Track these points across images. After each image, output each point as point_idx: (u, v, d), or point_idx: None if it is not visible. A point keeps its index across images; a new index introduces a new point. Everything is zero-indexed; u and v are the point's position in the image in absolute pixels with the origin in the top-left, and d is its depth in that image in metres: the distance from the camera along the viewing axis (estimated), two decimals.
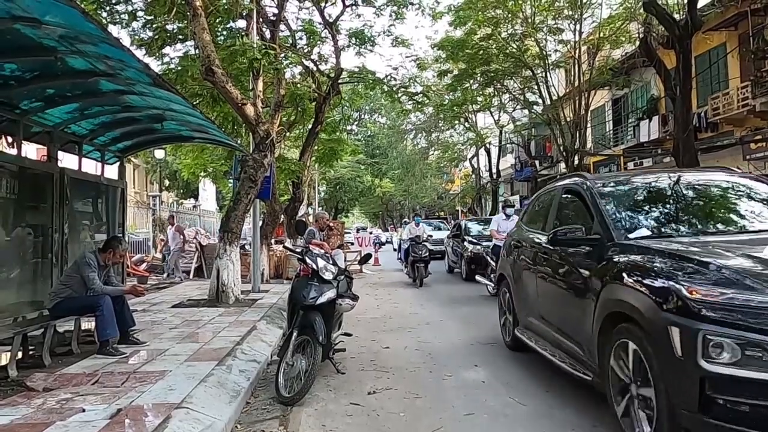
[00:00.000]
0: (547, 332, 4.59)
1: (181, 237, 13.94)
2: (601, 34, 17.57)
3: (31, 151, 10.76)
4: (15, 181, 6.02)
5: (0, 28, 4.34)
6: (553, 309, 4.56)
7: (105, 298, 5.25)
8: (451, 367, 5.19)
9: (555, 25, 18.27)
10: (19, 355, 4.73)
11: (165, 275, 13.55)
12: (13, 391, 4.06)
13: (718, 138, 15.97)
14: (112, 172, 8.90)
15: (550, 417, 3.80)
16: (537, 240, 5.06)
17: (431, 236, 15.08)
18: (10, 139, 6.70)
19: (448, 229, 22.84)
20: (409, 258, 12.96)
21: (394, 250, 25.83)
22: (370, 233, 30.39)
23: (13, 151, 6.47)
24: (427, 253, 12.72)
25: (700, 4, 11.99)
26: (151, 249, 16.79)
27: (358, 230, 34.59)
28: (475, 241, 13.49)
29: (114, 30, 11.23)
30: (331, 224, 13.04)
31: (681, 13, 12.40)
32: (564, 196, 4.94)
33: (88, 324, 5.68)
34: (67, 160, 8.23)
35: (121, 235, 8.19)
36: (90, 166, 8.51)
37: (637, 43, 14.98)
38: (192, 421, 3.41)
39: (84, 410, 3.55)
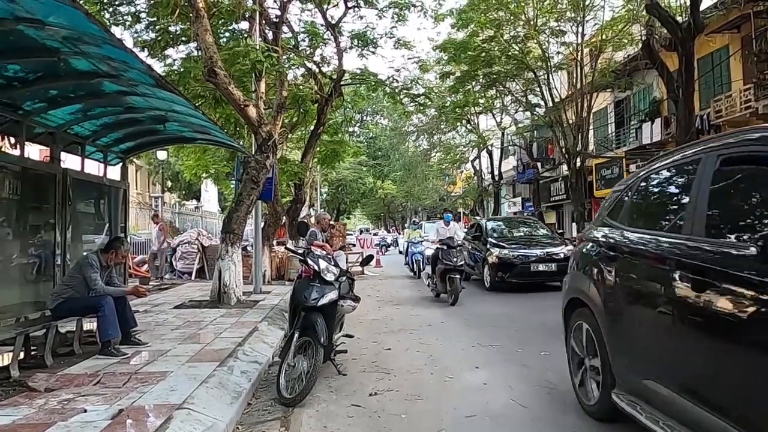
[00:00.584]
0: (703, 418, 2.56)
1: (164, 236, 13.74)
2: (604, 37, 17.58)
3: (34, 152, 10.79)
4: (18, 181, 6.04)
5: (3, 29, 4.35)
6: (725, 380, 2.49)
7: (107, 298, 5.27)
8: (453, 369, 5.18)
9: (557, 28, 18.31)
10: (21, 355, 4.73)
11: (159, 278, 13.45)
12: (15, 392, 4.06)
13: None
14: (114, 173, 8.93)
15: (552, 419, 3.79)
16: (670, 249, 2.98)
17: (467, 239, 12.86)
18: (13, 140, 6.71)
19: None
20: (438, 267, 10.07)
21: (400, 252, 25.69)
22: (375, 234, 30.29)
23: (16, 152, 6.48)
24: (463, 262, 10.03)
25: (702, 7, 12.00)
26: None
27: (361, 231, 34.50)
28: (501, 244, 11.78)
29: (117, 31, 11.30)
30: (333, 224, 13.03)
31: (683, 15, 12.42)
32: (725, 168, 2.79)
33: (89, 324, 5.68)
34: (69, 161, 8.24)
35: (123, 236, 8.20)
36: (92, 167, 8.53)
37: (640, 45, 15.00)
38: (193, 422, 3.42)
39: (86, 411, 3.56)
